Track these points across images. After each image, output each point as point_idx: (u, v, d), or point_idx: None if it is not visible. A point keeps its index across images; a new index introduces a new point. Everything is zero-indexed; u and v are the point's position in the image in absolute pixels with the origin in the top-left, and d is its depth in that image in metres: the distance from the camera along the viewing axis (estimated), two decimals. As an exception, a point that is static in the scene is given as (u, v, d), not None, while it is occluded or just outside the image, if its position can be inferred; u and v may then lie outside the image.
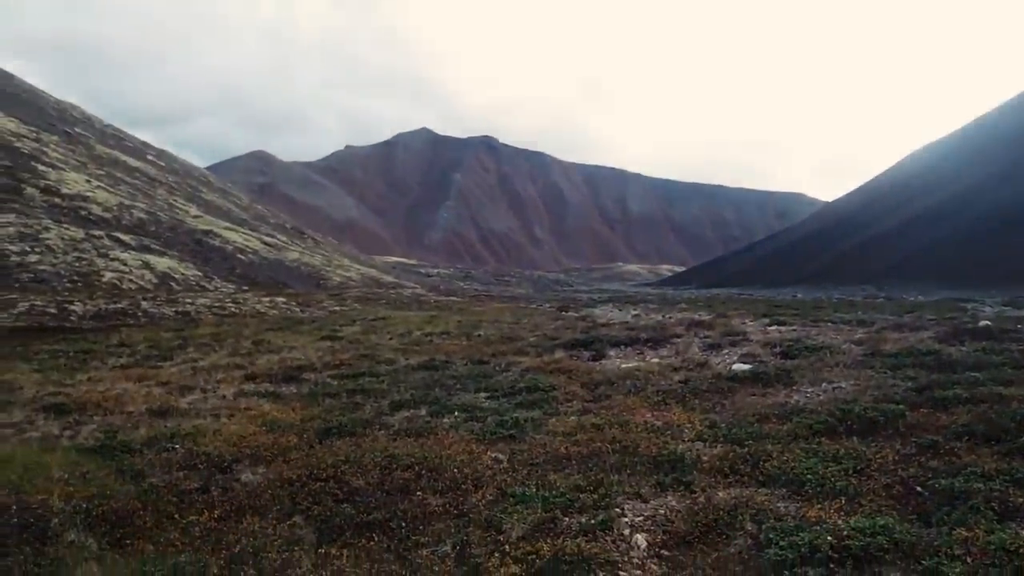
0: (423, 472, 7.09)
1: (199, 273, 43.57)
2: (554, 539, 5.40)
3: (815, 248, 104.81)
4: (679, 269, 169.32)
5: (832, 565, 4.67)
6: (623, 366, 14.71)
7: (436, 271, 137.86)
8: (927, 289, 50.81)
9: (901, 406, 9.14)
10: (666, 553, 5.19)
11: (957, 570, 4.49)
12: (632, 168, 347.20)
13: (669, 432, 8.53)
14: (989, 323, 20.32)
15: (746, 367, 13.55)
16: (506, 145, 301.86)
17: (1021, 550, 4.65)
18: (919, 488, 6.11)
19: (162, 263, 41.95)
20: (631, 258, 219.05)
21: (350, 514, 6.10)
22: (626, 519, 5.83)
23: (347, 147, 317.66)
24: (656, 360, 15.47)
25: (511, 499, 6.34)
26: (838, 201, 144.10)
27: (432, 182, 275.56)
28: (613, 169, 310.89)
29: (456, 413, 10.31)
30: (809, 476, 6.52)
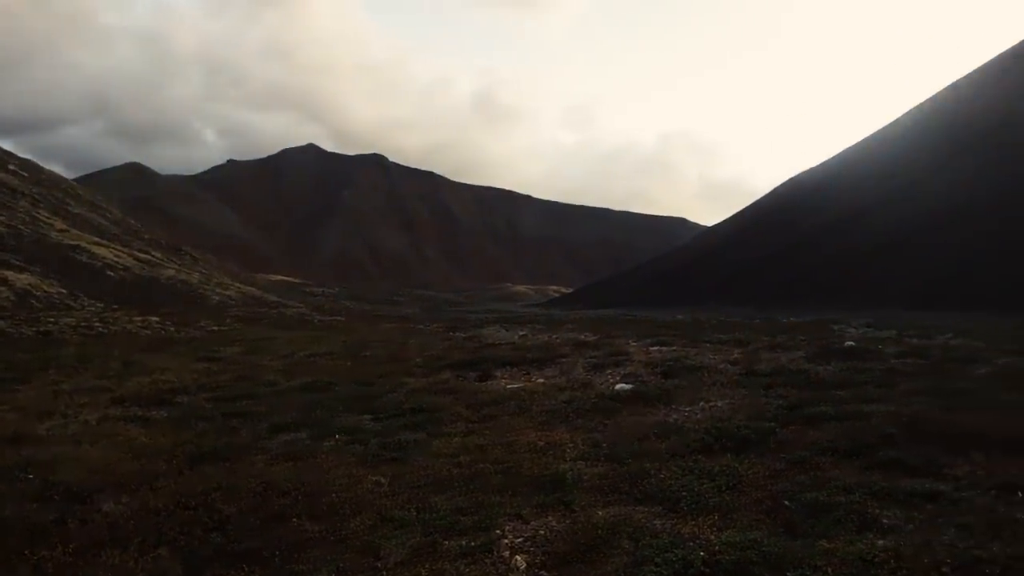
0: (300, 497, 6.90)
1: (64, 291, 41.14)
2: (433, 563, 5.35)
3: (697, 270, 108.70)
4: (568, 290, 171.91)
5: (704, 579, 4.81)
6: (509, 386, 14.78)
7: (322, 290, 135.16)
8: (802, 311, 53.41)
9: (772, 423, 9.55)
10: (545, 574, 5.22)
11: (818, 580, 4.69)
12: (523, 190, 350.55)
13: (552, 452, 8.61)
14: (854, 344, 21.53)
15: (628, 387, 13.85)
16: (397, 164, 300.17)
17: (876, 559, 4.93)
18: (787, 502, 6.37)
19: (22, 279, 39.39)
20: (521, 279, 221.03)
21: (220, 543, 5.86)
22: (507, 540, 5.84)
23: (230, 161, 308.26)
24: (542, 380, 15.63)
25: (391, 523, 6.24)
26: (719, 225, 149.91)
27: (320, 199, 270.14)
28: (504, 190, 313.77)
29: (338, 436, 10.10)
30: (685, 493, 6.72)
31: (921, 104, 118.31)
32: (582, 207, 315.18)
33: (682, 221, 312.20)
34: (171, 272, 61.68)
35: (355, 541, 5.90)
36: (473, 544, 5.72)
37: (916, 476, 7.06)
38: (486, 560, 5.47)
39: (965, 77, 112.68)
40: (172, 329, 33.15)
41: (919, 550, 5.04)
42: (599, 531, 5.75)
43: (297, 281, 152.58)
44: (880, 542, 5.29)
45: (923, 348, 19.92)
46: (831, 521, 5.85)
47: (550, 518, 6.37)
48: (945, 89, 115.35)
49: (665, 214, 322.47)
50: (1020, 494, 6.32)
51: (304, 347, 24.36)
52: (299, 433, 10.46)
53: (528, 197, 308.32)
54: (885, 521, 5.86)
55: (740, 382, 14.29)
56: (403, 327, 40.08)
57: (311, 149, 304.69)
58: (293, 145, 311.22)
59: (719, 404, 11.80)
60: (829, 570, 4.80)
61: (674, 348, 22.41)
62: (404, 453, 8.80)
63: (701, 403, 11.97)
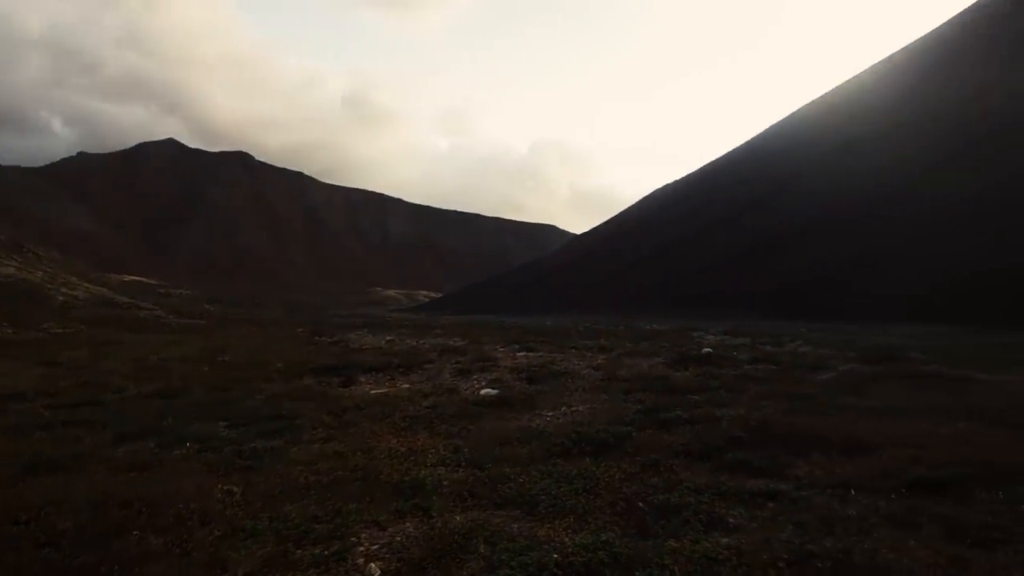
0: (144, 509, 6.50)
1: None
2: (284, 573, 5.18)
3: (566, 277, 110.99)
4: (438, 295, 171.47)
5: (556, 581, 4.88)
6: (373, 392, 14.57)
7: (180, 292, 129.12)
8: (665, 318, 55.37)
9: (630, 428, 9.83)
10: (399, 580, 5.15)
11: (664, 578, 4.84)
12: (395, 193, 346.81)
13: (413, 458, 8.52)
14: (711, 350, 22.51)
15: (493, 392, 13.94)
16: (263, 163, 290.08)
17: (719, 556, 5.13)
18: (640, 504, 6.55)
19: None
20: (391, 283, 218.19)
21: (52, 559, 5.45)
22: (362, 548, 5.72)
23: (80, 153, 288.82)
24: (407, 386, 15.49)
25: (241, 534, 5.98)
26: (588, 233, 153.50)
27: (180, 197, 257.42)
28: (375, 193, 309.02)
29: (189, 444, 9.61)
30: (543, 496, 6.80)
31: (782, 120, 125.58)
32: (454, 212, 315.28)
33: (552, 228, 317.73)
34: (11, 270, 57.35)
35: (201, 553, 5.62)
36: (327, 552, 5.58)
37: (761, 477, 7.42)
38: (340, 568, 5.34)
39: (829, 92, 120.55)
40: (9, 331, 30.78)
41: (759, 547, 5.28)
42: (456, 536, 5.72)
43: (153, 282, 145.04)
44: (724, 540, 5.51)
45: (774, 355, 21.06)
46: (680, 521, 6.06)
47: (407, 524, 6.29)
48: (813, 102, 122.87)
49: (536, 221, 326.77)
50: (853, 492, 6.75)
51: (157, 351, 23.16)
52: (146, 442, 9.89)
53: (399, 200, 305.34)
54: (731, 520, 6.12)
55: (602, 387, 14.65)
56: (265, 331, 38.79)
57: (171, 144, 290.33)
58: (151, 139, 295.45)
59: (580, 409, 12.03)
60: (676, 569, 4.96)
61: (540, 354, 22.72)
62: (259, 461, 8.47)
63: (563, 408, 12.18)
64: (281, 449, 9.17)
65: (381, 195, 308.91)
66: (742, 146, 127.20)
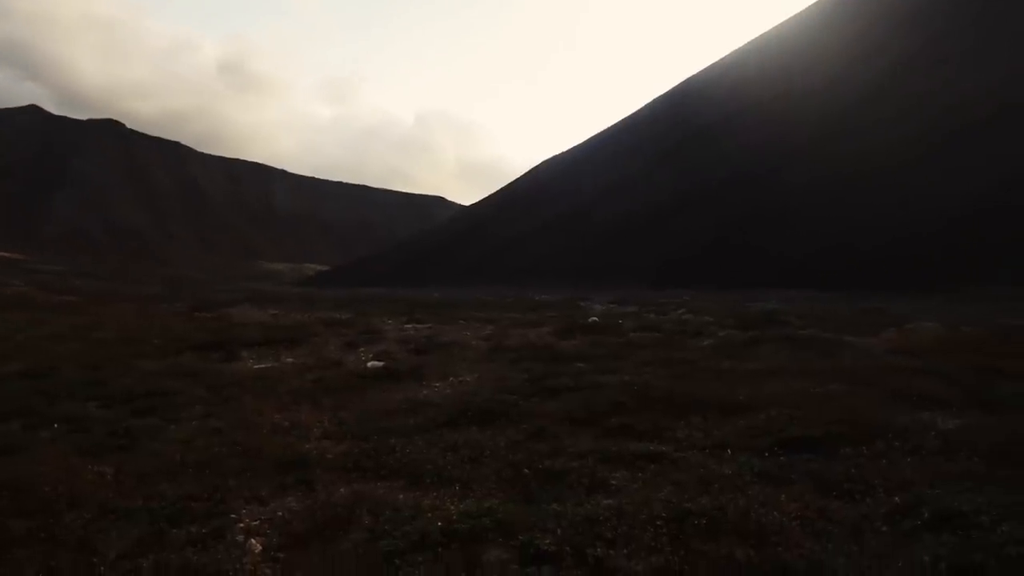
0: (6, 493, 6.09)
1: None
2: (158, 553, 4.95)
3: (455, 249, 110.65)
4: (326, 268, 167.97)
5: (440, 548, 4.86)
6: (256, 367, 14.15)
7: (49, 267, 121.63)
8: (554, 288, 56.11)
9: (516, 396, 9.93)
10: (281, 555, 5.00)
11: (547, 541, 4.89)
12: (277, 164, 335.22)
13: (296, 432, 8.32)
14: (598, 319, 23.01)
15: (380, 364, 13.79)
16: (136, 132, 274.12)
17: (600, 517, 5.23)
18: (526, 470, 6.59)
19: None
20: (276, 257, 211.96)
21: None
22: (242, 524, 5.53)
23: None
24: (291, 360, 15.11)
25: (112, 516, 5.68)
26: (477, 205, 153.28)
27: (45, 168, 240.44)
28: (257, 164, 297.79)
29: (57, 425, 9.05)
30: (429, 466, 6.77)
31: (656, 98, 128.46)
32: (340, 183, 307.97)
33: (440, 200, 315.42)
34: None
35: (70, 537, 5.30)
36: (204, 530, 5.37)
37: (643, 440, 7.64)
38: (218, 545, 5.15)
39: (689, 80, 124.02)
40: None
41: (639, 507, 5.42)
42: (339, 509, 5.62)
43: (19, 257, 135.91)
44: (606, 502, 5.63)
45: (659, 323, 21.75)
46: (564, 486, 6.15)
47: (290, 499, 6.13)
48: (676, 87, 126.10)
49: (424, 192, 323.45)
50: (730, 452, 7.02)
51: (23, 329, 21.72)
52: (10, 424, 9.26)
53: (283, 172, 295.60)
54: (613, 483, 6.26)
55: (489, 357, 14.75)
56: (142, 307, 37.01)
57: (33, 111, 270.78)
58: (10, 105, 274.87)
59: (468, 379, 12.07)
60: (558, 531, 5.02)
61: (428, 326, 22.67)
62: (133, 441, 8.07)
63: (451, 379, 12.18)
64: (157, 428, 8.77)
65: (264, 166, 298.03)
66: (629, 117, 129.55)
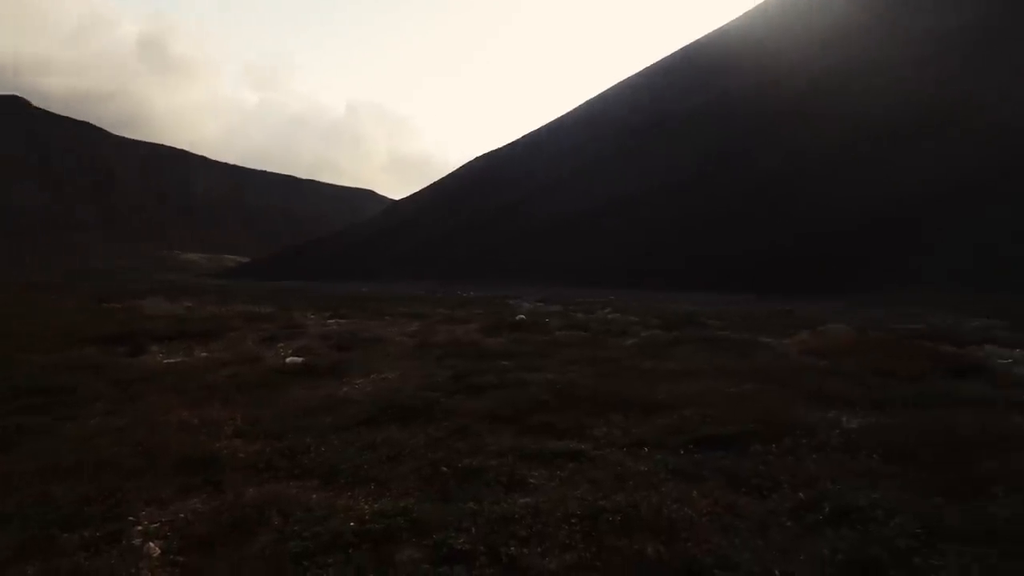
0: None
1: None
2: (47, 559, 4.69)
3: (384, 244, 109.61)
4: (247, 260, 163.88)
5: (351, 549, 4.77)
6: (166, 361, 13.68)
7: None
8: (483, 285, 56.12)
9: (439, 394, 9.84)
10: (182, 559, 4.81)
11: (461, 540, 4.85)
12: (198, 150, 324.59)
13: (206, 431, 8.03)
14: (524, 317, 23.06)
15: (299, 360, 13.50)
16: (41, 110, 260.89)
17: (516, 516, 5.21)
18: (444, 468, 6.52)
19: None
20: (194, 247, 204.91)
21: None
22: (140, 527, 5.30)
23: None
24: (205, 355, 14.67)
25: (-8, 521, 5.35)
26: (407, 199, 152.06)
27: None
28: (176, 149, 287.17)
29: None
30: (345, 466, 6.64)
31: (590, 99, 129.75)
32: (265, 173, 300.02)
33: (370, 193, 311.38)
34: None
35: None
36: (99, 534, 5.12)
37: (564, 438, 7.64)
38: (112, 550, 4.91)
39: (633, 77, 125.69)
40: None
41: (555, 505, 5.42)
42: (247, 510, 5.44)
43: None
44: (523, 500, 5.62)
45: (584, 322, 21.93)
46: (482, 484, 6.10)
47: (195, 500, 5.91)
48: (614, 87, 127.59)
49: (353, 185, 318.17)
50: (646, 450, 7.10)
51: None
52: None
53: (203, 158, 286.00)
54: (531, 481, 6.26)
55: (414, 354, 14.60)
56: (42, 297, 35.39)
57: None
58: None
59: (390, 376, 11.92)
60: (472, 530, 4.98)
61: (352, 321, 22.36)
62: (21, 440, 7.65)
63: (373, 375, 12.02)
64: (51, 426, 8.34)
65: (183, 151, 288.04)
66: (567, 115, 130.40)
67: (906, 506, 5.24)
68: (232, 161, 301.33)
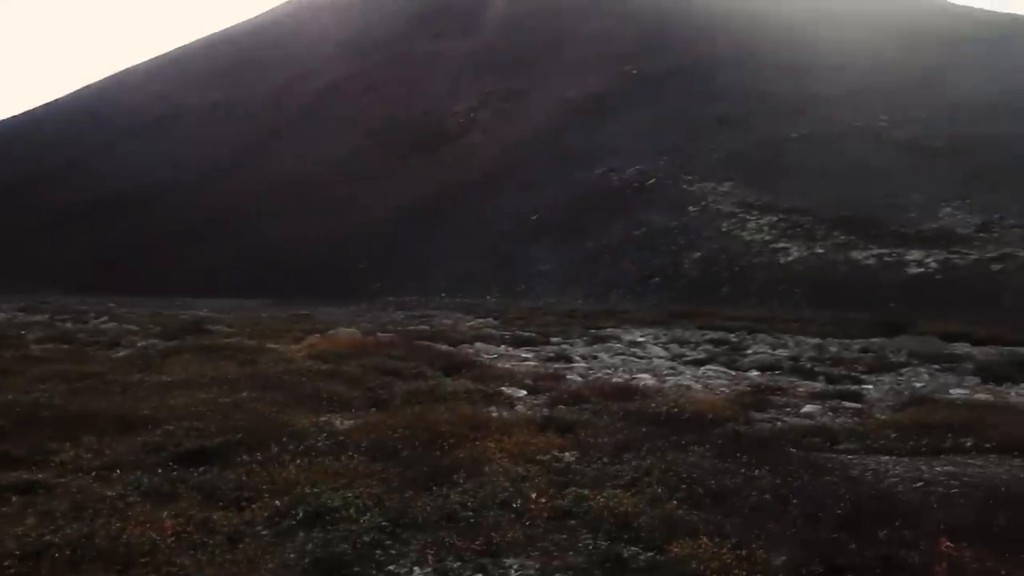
0: None
1: None
2: None
3: None
4: None
5: None
6: None
7: None
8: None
9: None
10: None
11: None
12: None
13: None
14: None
15: None
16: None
17: None
18: None
19: None
20: None
21: None
22: None
23: None
24: None
25: None
26: None
27: None
28: None
29: None
30: None
31: (102, 80, 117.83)
32: None
33: None
34: None
35: None
36: None
37: (19, 468, 6.64)
38: None
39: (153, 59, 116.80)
40: None
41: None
42: None
43: None
44: None
45: (72, 333, 19.78)
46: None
47: None
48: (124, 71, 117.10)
49: None
50: (118, 472, 6.49)
51: None
52: None
53: None
54: None
55: None
56: None
57: None
58: None
59: None
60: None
61: None
62: None
63: None
64: None
65: None
66: (52, 103, 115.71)
67: (377, 502, 5.54)
68: None
